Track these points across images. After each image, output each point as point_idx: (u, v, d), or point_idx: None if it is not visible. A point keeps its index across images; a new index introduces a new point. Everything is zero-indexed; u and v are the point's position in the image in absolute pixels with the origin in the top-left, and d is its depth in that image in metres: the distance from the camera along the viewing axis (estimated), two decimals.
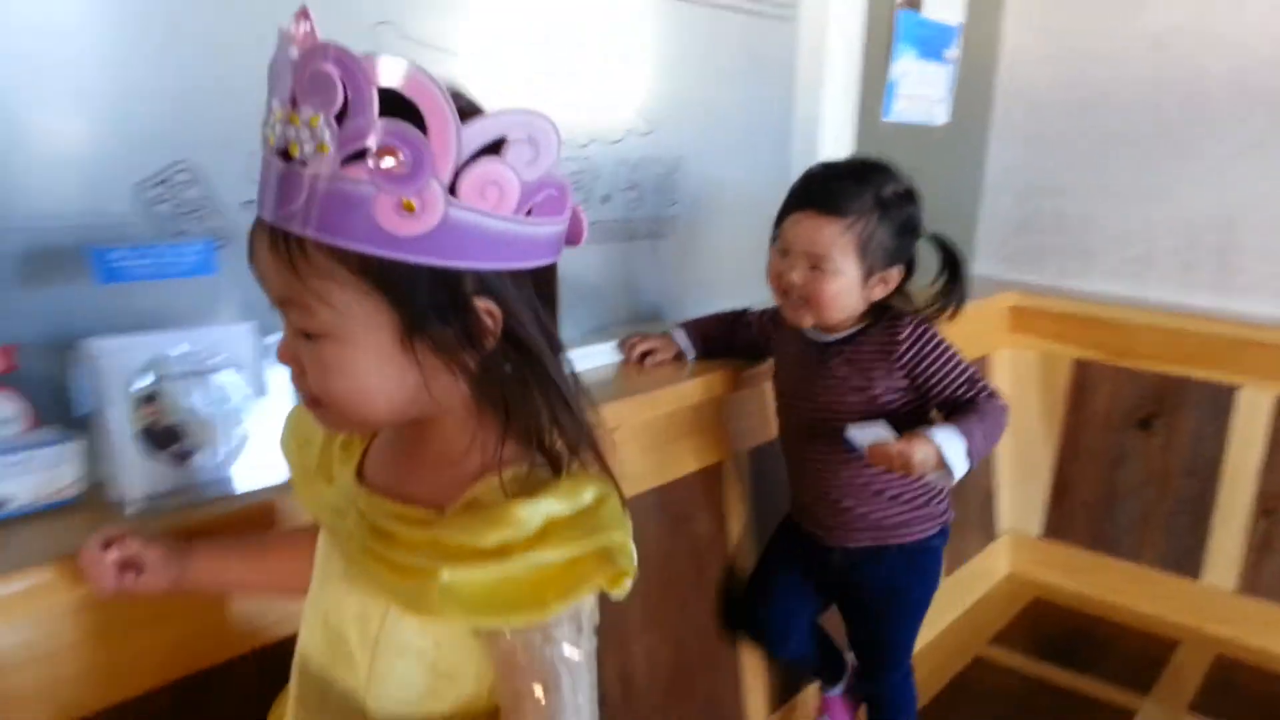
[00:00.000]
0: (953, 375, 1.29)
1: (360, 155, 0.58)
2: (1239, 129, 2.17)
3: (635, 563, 0.66)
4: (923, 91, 2.14)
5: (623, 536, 0.66)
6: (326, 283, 0.61)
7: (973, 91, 2.39)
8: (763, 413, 1.59)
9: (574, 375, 0.71)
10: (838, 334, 1.35)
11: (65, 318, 0.95)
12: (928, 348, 1.30)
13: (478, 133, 0.59)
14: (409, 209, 0.59)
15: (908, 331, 1.30)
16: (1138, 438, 2.28)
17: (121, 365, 0.87)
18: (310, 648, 0.77)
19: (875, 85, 2.00)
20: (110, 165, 0.97)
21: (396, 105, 0.58)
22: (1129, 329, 2.25)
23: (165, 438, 0.91)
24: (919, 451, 1.16)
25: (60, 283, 0.95)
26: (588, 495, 0.66)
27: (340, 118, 0.58)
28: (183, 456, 0.92)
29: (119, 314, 0.95)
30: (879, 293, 1.31)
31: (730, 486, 1.58)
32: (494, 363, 0.66)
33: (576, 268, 1.50)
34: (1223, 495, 2.18)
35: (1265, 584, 2.15)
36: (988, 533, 2.42)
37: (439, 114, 0.58)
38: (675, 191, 1.65)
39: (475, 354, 0.65)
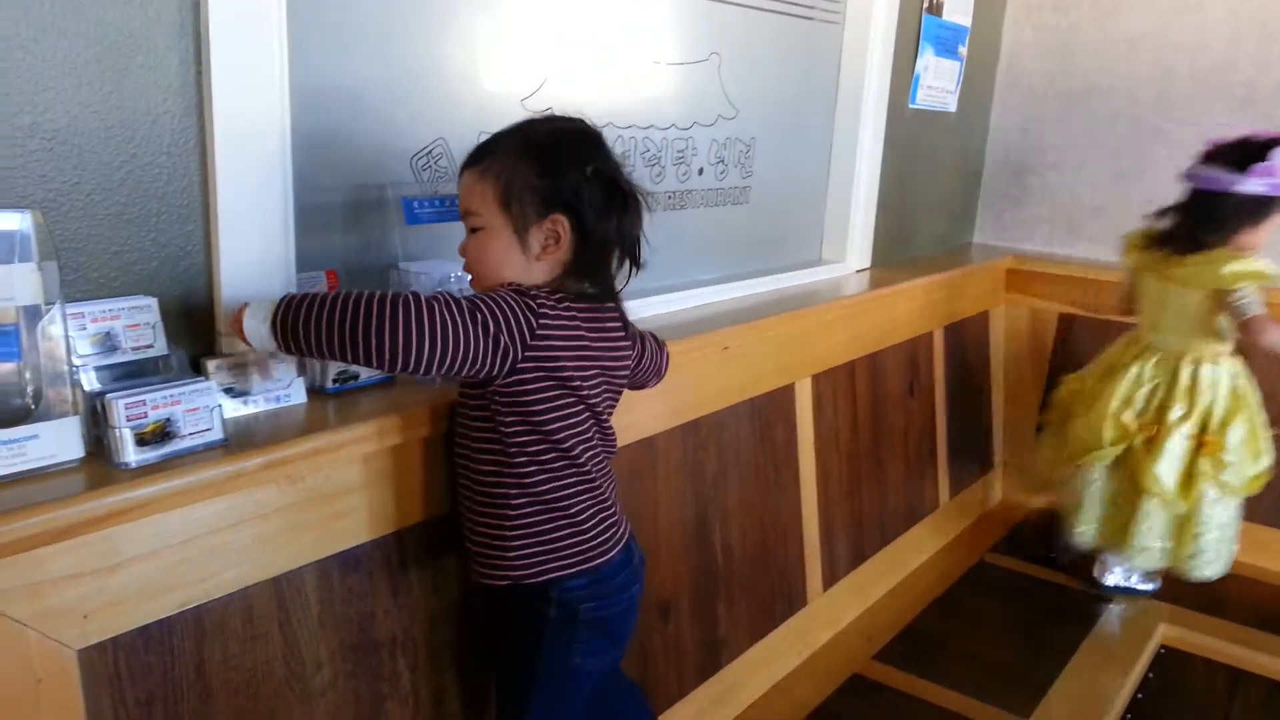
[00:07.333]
0: None
1: None
2: (1199, 118, 2.58)
3: None
4: (939, 83, 2.52)
5: None
6: None
7: (978, 83, 2.78)
8: (828, 341, 1.97)
9: None
10: None
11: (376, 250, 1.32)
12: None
13: None
14: None
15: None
16: None
17: (427, 282, 1.23)
18: None
19: (903, 78, 2.38)
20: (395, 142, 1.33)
21: None
22: (1105, 287, 2.66)
23: None
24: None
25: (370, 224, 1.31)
26: None
27: None
28: None
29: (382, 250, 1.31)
30: (551, 252, 1.06)
31: (801, 401, 1.95)
32: None
33: (692, 226, 1.89)
34: None
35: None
36: (986, 464, 2.83)
37: None
38: (751, 165, 2.03)
39: None
